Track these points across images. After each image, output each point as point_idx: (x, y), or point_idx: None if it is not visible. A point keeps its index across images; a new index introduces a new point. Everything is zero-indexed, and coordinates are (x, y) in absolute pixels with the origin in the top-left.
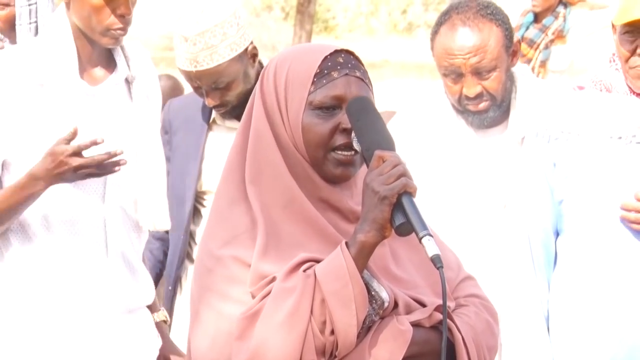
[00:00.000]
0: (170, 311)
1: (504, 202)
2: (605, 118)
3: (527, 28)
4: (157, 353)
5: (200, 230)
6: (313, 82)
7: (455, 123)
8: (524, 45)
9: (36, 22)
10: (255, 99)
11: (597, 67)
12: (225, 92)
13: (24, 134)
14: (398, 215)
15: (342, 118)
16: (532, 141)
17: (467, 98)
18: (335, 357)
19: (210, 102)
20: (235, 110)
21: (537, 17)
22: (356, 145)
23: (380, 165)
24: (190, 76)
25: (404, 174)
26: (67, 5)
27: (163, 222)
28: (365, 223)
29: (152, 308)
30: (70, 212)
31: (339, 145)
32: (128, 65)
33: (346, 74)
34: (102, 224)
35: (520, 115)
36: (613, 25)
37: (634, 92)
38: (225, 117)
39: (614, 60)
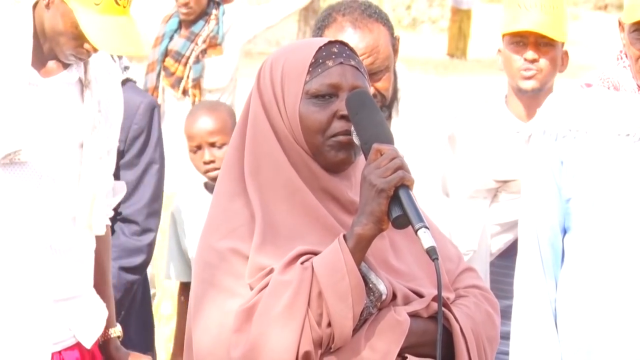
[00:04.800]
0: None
1: None
2: (613, 115)
3: (172, 38)
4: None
5: None
6: (308, 72)
7: None
8: (169, 60)
9: None
10: (252, 96)
11: (605, 65)
12: None
13: None
14: (395, 208)
15: (339, 105)
16: (539, 139)
17: None
18: (331, 348)
19: None
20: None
21: (182, 24)
22: (355, 139)
23: (377, 159)
24: None
25: (401, 167)
26: (47, 6)
27: (98, 227)
28: (362, 216)
29: (108, 323)
30: (3, 201)
31: (337, 133)
32: (85, 69)
33: (341, 63)
34: (32, 216)
35: (405, 108)
36: (620, 24)
37: None
38: None
39: (621, 58)
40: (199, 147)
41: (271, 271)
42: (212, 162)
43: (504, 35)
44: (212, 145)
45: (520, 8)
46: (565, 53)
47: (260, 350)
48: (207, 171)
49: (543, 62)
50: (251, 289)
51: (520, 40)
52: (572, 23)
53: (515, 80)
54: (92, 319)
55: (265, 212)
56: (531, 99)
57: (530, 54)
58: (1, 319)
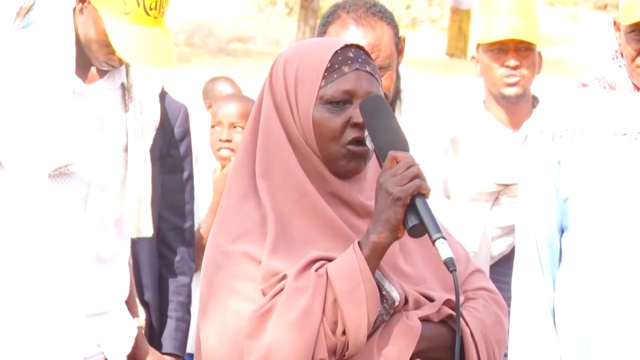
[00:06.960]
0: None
1: None
2: (610, 115)
3: None
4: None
5: None
6: (324, 77)
7: None
8: None
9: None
10: (264, 94)
11: (601, 64)
12: None
13: (12, 129)
14: (411, 217)
15: (353, 112)
16: (536, 139)
17: None
18: (345, 356)
19: None
20: None
21: None
22: (369, 144)
23: (394, 166)
24: None
25: (418, 176)
26: (80, 11)
27: (146, 229)
28: (378, 224)
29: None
30: (50, 212)
31: (350, 140)
32: (127, 72)
33: (357, 69)
34: (81, 226)
35: (408, 109)
36: (615, 23)
37: (638, 89)
38: None
39: (617, 57)
40: (220, 124)
41: (284, 277)
42: (228, 141)
43: (481, 44)
44: (233, 126)
45: (495, 15)
46: (539, 54)
47: (275, 357)
48: (219, 149)
49: (525, 68)
50: (264, 294)
51: (500, 47)
52: (572, 23)
53: (497, 88)
54: (121, 335)
55: (277, 215)
56: (513, 105)
57: (512, 61)
58: (34, 332)
